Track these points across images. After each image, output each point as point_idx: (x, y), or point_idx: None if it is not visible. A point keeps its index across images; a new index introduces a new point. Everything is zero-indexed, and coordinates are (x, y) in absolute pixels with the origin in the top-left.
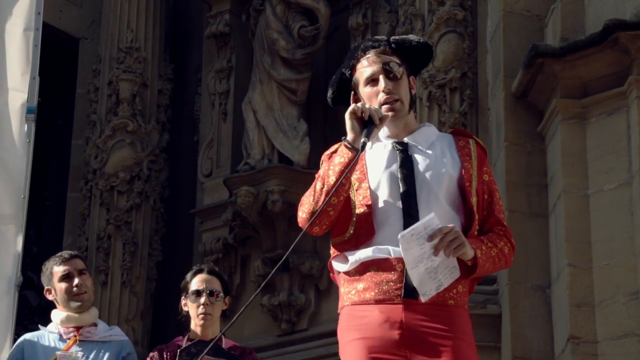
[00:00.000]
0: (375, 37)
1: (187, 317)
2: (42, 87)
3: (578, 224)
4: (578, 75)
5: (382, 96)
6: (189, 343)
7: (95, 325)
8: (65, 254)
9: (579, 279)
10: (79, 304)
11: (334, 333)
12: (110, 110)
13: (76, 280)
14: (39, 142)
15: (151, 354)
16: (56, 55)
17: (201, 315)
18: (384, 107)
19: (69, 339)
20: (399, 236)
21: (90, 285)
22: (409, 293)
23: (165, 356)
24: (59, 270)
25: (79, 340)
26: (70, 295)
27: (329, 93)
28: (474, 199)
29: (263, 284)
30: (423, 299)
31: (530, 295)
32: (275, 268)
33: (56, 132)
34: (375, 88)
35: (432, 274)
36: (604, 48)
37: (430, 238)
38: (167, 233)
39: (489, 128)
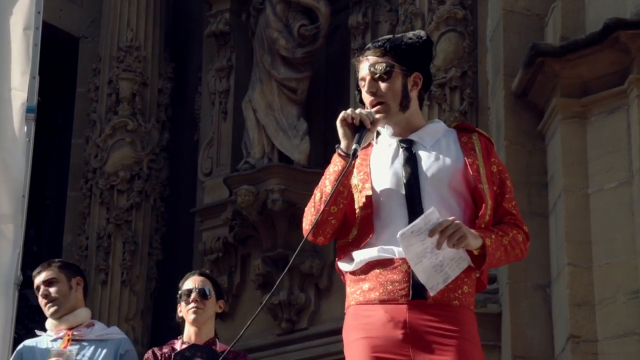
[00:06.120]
0: (380, 38)
1: (182, 322)
2: (42, 86)
3: (578, 223)
4: (578, 74)
5: (367, 98)
6: (184, 347)
7: (92, 325)
8: (37, 268)
9: (579, 278)
10: (53, 309)
11: (333, 332)
12: (110, 109)
13: (41, 291)
14: (39, 142)
15: (146, 355)
16: (56, 55)
17: (192, 310)
18: (374, 108)
19: (61, 338)
20: (398, 235)
21: (63, 290)
22: (417, 293)
23: (159, 357)
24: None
25: (74, 340)
26: (43, 305)
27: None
28: (484, 186)
29: (269, 295)
30: (431, 292)
31: (530, 294)
32: (280, 276)
33: (56, 131)
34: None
35: (437, 268)
36: (604, 47)
37: (431, 233)
38: (167, 232)
39: (489, 127)
